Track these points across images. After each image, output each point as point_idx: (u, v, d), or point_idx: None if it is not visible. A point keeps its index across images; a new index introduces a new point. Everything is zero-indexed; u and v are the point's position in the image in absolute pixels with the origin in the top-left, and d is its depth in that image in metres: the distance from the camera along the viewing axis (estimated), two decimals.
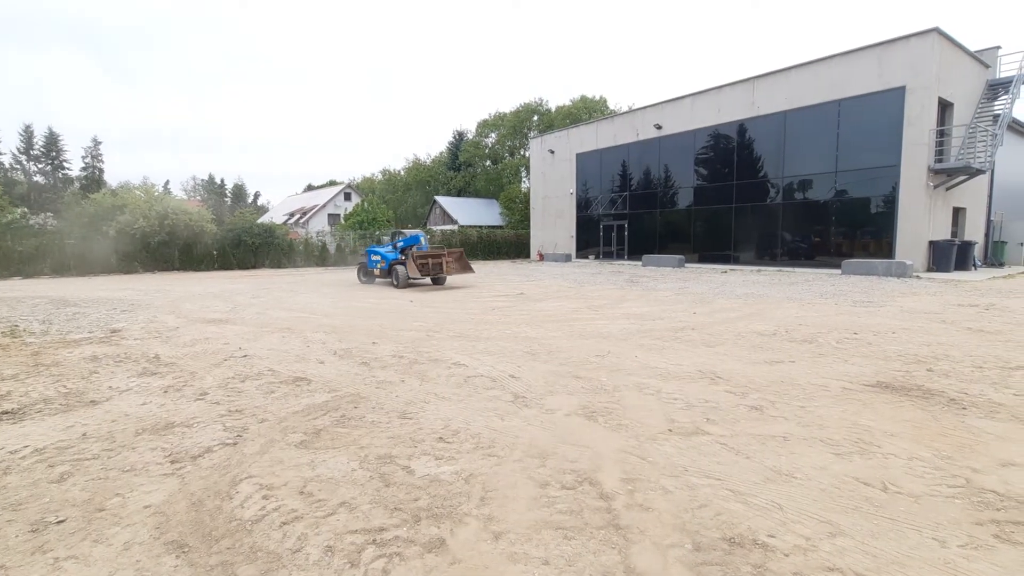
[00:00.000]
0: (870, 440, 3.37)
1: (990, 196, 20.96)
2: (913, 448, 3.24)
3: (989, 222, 21.20)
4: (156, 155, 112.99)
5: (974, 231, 19.94)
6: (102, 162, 60.19)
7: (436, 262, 14.30)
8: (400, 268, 14.22)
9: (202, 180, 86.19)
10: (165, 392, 4.73)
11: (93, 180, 57.18)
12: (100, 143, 60.01)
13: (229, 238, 25.25)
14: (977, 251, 18.92)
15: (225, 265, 25.00)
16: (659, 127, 24.71)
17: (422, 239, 14.94)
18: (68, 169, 58.33)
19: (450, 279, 16.08)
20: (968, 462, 3.04)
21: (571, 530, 2.37)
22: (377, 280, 16.18)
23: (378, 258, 15.58)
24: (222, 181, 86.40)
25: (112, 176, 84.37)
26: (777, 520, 2.43)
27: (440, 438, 3.51)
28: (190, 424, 3.86)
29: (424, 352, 6.20)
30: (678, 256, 22.70)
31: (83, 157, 59.60)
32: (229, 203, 79.81)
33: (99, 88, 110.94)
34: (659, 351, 6.10)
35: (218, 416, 4.03)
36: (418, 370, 5.37)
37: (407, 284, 14.48)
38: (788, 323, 7.85)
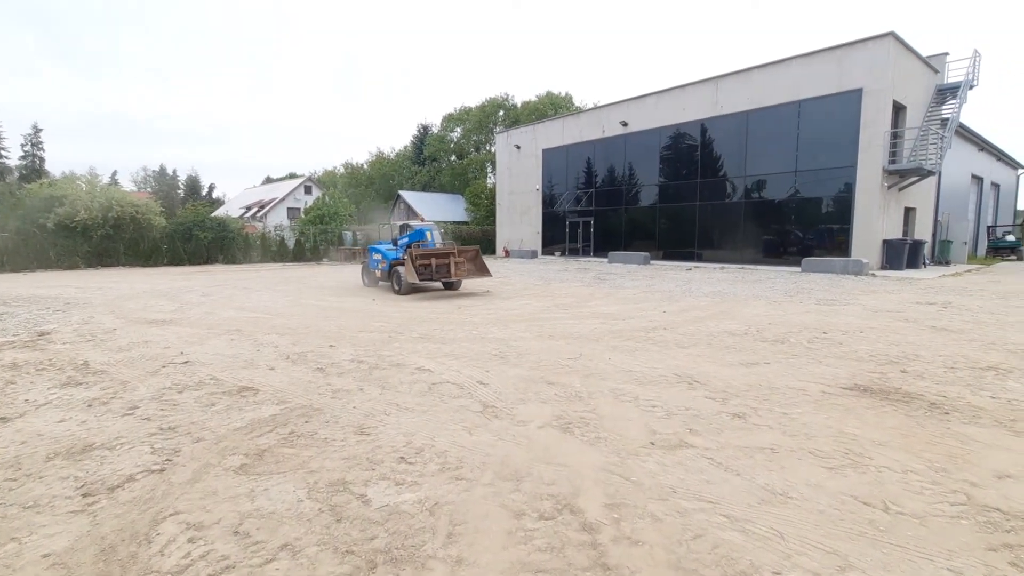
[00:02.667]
0: (860, 451, 3.20)
1: (937, 197, 21.86)
2: (905, 459, 3.08)
3: (936, 222, 22.12)
4: (109, 145, 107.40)
5: (923, 231, 20.74)
6: (43, 150, 56.58)
7: (442, 263, 11.74)
8: (401, 270, 11.75)
9: (153, 171, 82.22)
10: (89, 406, 4.18)
11: (33, 169, 53.66)
12: (40, 130, 56.28)
13: (180, 232, 23.90)
14: (926, 250, 19.68)
15: (175, 260, 23.66)
16: (625, 124, 24.71)
17: (428, 234, 12.41)
18: (6, 158, 54.49)
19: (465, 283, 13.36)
20: (964, 474, 2.89)
21: (552, 573, 2.06)
22: (380, 283, 13.58)
23: (379, 257, 13.16)
24: (174, 172, 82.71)
25: (59, 166, 79.52)
26: (780, 552, 2.18)
27: (401, 458, 3.15)
28: (112, 446, 3.37)
29: (385, 356, 5.80)
30: (643, 253, 22.78)
31: (22, 145, 55.83)
32: (182, 195, 76.33)
33: (47, 75, 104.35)
34: (632, 353, 5.88)
35: (147, 435, 3.55)
36: (378, 376, 4.97)
37: (411, 289, 12.06)
38: (758, 322, 7.79)
